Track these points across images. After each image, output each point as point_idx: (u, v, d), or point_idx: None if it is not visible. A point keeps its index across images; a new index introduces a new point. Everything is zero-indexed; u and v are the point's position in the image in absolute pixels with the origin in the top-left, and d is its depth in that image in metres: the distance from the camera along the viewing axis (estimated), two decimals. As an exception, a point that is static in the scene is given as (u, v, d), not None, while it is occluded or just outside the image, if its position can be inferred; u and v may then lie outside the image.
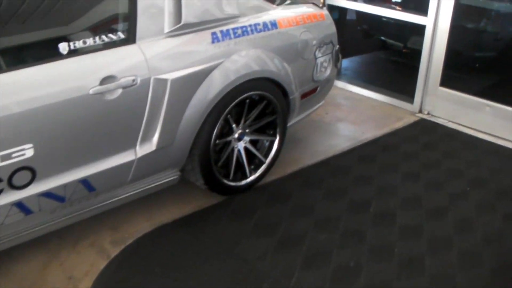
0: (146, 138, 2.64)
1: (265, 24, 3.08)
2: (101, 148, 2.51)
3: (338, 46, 3.63)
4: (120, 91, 2.44)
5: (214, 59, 2.79)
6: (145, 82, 2.52)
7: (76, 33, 2.43)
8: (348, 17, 5.30)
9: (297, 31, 3.26)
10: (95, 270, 2.59)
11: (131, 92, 2.48)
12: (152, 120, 2.61)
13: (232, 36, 2.89)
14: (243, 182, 3.22)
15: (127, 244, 2.78)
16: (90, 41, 2.42)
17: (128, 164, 2.63)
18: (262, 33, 3.05)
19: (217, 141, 2.99)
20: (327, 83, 3.69)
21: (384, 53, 5.57)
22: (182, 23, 2.66)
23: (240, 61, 2.91)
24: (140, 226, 2.93)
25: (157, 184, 2.90)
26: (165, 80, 2.57)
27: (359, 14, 5.26)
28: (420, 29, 4.33)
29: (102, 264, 2.64)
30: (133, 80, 2.47)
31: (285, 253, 2.74)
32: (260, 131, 3.33)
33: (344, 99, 4.87)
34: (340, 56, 3.68)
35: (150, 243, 2.78)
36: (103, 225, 2.92)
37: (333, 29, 3.55)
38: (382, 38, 5.35)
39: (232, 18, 2.96)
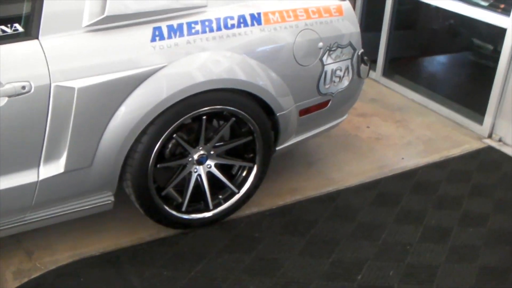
0: (51, 157, 2.28)
1: (241, 18, 2.54)
2: (-15, 166, 2.15)
3: (362, 50, 2.95)
4: (4, 99, 2.05)
5: (151, 63, 2.33)
6: (43, 90, 2.14)
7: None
8: (426, 10, 4.49)
9: (292, 29, 2.67)
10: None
11: (21, 101, 2.12)
12: (56, 137, 2.23)
13: (184, 33, 2.41)
14: (202, 215, 2.74)
15: (30, 278, 2.48)
16: (-29, 34, 2.04)
17: (28, 187, 2.29)
18: (234, 30, 2.52)
19: (159, 165, 2.51)
20: (347, 97, 3.05)
21: (466, 55, 4.68)
22: (105, 14, 2.20)
23: (191, 67, 2.41)
24: (59, 256, 2.61)
25: (81, 209, 2.53)
26: (71, 89, 2.15)
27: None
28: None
29: (-14, 301, 2.31)
30: (23, 87, 2.07)
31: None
32: (236, 153, 2.85)
33: (397, 110, 4.18)
34: (367, 62, 2.99)
35: (57, 280, 2.46)
36: (17, 248, 2.65)
37: (353, 28, 2.90)
38: (470, 38, 4.47)
39: (193, 8, 2.43)
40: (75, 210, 2.53)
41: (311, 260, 2.59)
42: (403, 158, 3.48)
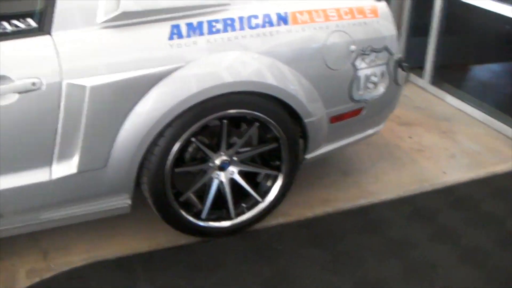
0: (64, 157, 2.22)
1: (267, 17, 2.42)
2: (-3, 163, 2.11)
3: (399, 55, 2.77)
4: (15, 96, 2.01)
5: (168, 62, 2.25)
6: (54, 87, 2.09)
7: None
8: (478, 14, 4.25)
9: (321, 30, 2.53)
10: (-20, 309, 2.25)
11: (32, 98, 2.08)
12: (68, 136, 2.18)
13: (204, 31, 2.30)
14: (222, 223, 2.64)
15: (42, 278, 2.44)
16: (-16, 29, 2.01)
17: (41, 185, 2.24)
18: (258, 30, 2.40)
19: (176, 170, 2.42)
20: (383, 105, 2.88)
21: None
22: (119, 11, 2.13)
23: (211, 67, 2.31)
24: (74, 257, 2.57)
25: (97, 211, 2.47)
26: (83, 87, 2.09)
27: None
28: None
29: (-5, 299, 2.29)
30: (34, 84, 2.03)
31: None
32: (262, 160, 2.75)
33: (444, 120, 3.97)
34: (404, 68, 2.81)
35: (67, 282, 2.42)
36: (34, 247, 2.62)
37: (389, 31, 2.74)
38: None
39: (215, 6, 2.33)
40: (90, 212, 2.47)
41: (333, 277, 2.44)
42: (445, 172, 3.26)
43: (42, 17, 2.10)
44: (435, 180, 3.24)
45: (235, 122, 2.60)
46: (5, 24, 2.07)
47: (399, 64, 2.81)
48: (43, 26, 2.10)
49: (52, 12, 2.09)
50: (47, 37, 2.09)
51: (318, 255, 2.58)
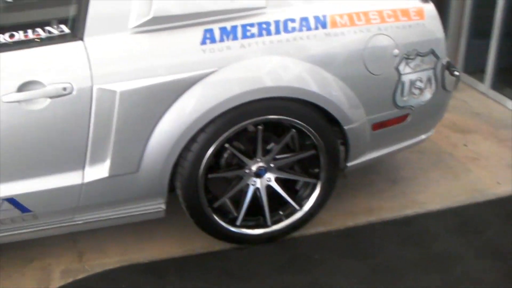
0: (96, 161, 2.25)
1: (304, 21, 2.36)
2: (30, 165, 2.22)
3: (447, 59, 2.64)
4: (47, 100, 2.06)
5: (200, 67, 2.24)
6: (85, 92, 2.12)
7: (5, 23, 2.10)
8: None
9: (362, 33, 2.44)
10: (14, 306, 2.31)
11: (64, 103, 2.12)
12: (100, 140, 2.21)
13: (239, 36, 2.28)
14: (256, 231, 2.60)
15: (75, 279, 2.49)
16: (20, 35, 2.08)
17: (73, 188, 2.29)
18: (295, 34, 2.35)
19: (210, 175, 2.41)
20: (430, 111, 2.76)
21: None
22: (151, 15, 2.13)
23: (245, 72, 2.29)
24: (109, 260, 2.61)
25: (131, 214, 2.49)
26: (113, 92, 2.11)
27: None
28: None
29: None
30: (65, 89, 2.07)
31: None
32: (301, 167, 2.69)
33: (503, 127, 3.79)
34: (454, 73, 2.68)
35: (99, 284, 2.45)
36: (72, 248, 2.68)
37: (436, 34, 2.62)
38: None
39: (250, 10, 2.30)
40: (124, 215, 2.49)
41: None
42: (499, 183, 3.09)
43: (75, 23, 2.13)
44: (487, 191, 3.07)
45: (273, 128, 2.53)
46: (40, 30, 2.09)
47: (447, 68, 2.66)
48: (76, 32, 2.13)
49: (84, 18, 2.12)
50: (79, 42, 2.12)
51: (356, 267, 2.50)
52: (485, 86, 4.19)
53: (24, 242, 2.50)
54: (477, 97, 4.20)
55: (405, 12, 2.53)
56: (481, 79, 4.22)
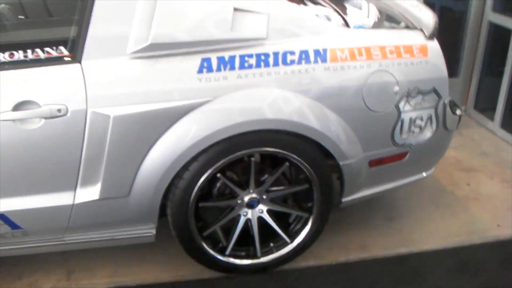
0: (88, 183, 2.27)
1: (303, 54, 2.36)
2: (22, 183, 2.25)
3: (449, 98, 2.63)
4: (41, 121, 2.09)
5: (195, 96, 2.25)
6: (79, 115, 2.15)
7: (6, 43, 2.14)
8: None
9: (362, 69, 2.44)
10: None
11: (57, 124, 2.14)
12: (92, 163, 2.23)
13: (236, 66, 2.28)
14: (244, 261, 2.60)
15: (61, 299, 2.44)
16: (19, 55, 2.12)
17: (63, 208, 2.31)
18: (294, 67, 2.34)
19: (200, 204, 2.42)
20: (430, 150, 2.75)
21: None
22: (149, 42, 2.16)
23: (239, 103, 2.29)
24: (97, 280, 2.63)
25: (121, 237, 2.50)
26: (107, 116, 2.13)
27: None
28: None
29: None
30: (59, 110, 2.10)
31: None
32: (295, 200, 2.70)
33: (511, 168, 3.65)
34: (457, 112, 2.66)
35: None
36: (61, 266, 2.71)
37: (439, 72, 2.60)
38: None
39: (250, 40, 2.31)
40: (114, 238, 2.51)
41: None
42: (499, 225, 3.05)
43: (74, 45, 2.15)
44: (486, 233, 3.03)
45: (267, 159, 2.55)
46: (39, 51, 2.12)
47: (450, 107, 2.64)
48: (74, 54, 2.14)
49: (84, 41, 2.14)
50: (76, 65, 2.15)
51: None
52: (494, 124, 4.15)
53: (14, 258, 2.54)
54: (485, 135, 4.15)
55: (408, 49, 2.51)
56: (491, 117, 4.18)
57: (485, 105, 4.29)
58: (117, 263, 2.70)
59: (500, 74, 4.07)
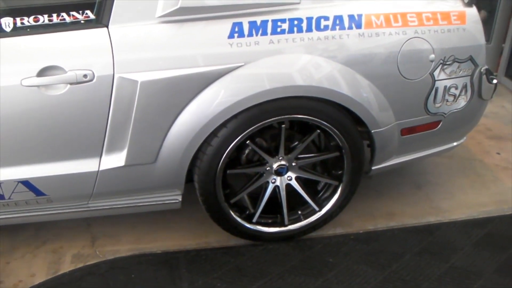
0: (113, 149, 2.25)
1: (338, 19, 2.30)
2: (47, 150, 2.22)
3: (485, 66, 2.56)
4: (66, 86, 2.05)
5: (225, 61, 2.20)
6: (106, 80, 2.10)
7: (31, 6, 2.10)
8: None
9: (398, 36, 2.37)
10: (23, 285, 2.38)
11: (83, 90, 2.10)
12: (118, 130, 2.20)
13: (268, 31, 2.22)
14: (271, 229, 2.59)
15: (85, 264, 2.52)
16: (44, 19, 2.06)
17: (89, 175, 2.29)
18: (327, 32, 2.28)
19: (229, 171, 2.40)
20: (463, 119, 2.70)
21: None
22: (178, 5, 2.10)
23: (271, 69, 2.24)
24: (121, 247, 2.64)
25: (146, 204, 2.50)
26: (134, 82, 2.09)
27: None
28: None
29: (40, 278, 2.43)
30: (85, 76, 2.06)
31: None
32: (324, 168, 2.67)
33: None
34: (493, 81, 2.59)
35: (108, 271, 2.48)
36: (85, 232, 2.72)
37: (477, 40, 2.52)
38: None
39: (283, 5, 2.24)
40: (139, 204, 2.49)
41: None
42: (530, 196, 2.98)
43: (101, 9, 2.10)
44: (512, 204, 2.94)
45: (298, 126, 2.52)
46: (65, 15, 2.07)
47: (485, 76, 2.56)
48: (101, 19, 2.10)
49: (111, 4, 2.08)
50: (103, 29, 2.09)
51: (370, 274, 2.48)
52: (527, 92, 4.05)
53: (39, 224, 2.57)
54: (518, 104, 4.06)
55: (446, 16, 2.43)
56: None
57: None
58: (141, 230, 2.71)
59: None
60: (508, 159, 3.36)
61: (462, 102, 2.59)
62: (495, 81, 2.60)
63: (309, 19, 2.26)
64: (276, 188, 2.54)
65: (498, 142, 3.52)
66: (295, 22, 2.24)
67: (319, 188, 2.67)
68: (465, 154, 3.33)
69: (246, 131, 2.30)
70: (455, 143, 2.85)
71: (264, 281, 2.41)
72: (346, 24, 2.31)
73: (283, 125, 2.36)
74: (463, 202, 3.00)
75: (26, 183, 2.25)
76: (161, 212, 2.60)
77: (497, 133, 3.63)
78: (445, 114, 2.59)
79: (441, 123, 2.63)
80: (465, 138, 2.89)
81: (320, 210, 2.62)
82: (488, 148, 3.45)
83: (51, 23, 2.08)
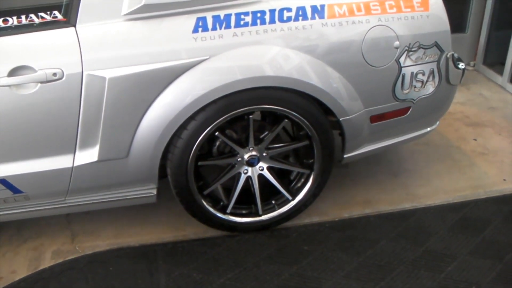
0: (86, 145, 2.35)
1: (300, 10, 2.40)
2: (21, 148, 2.32)
3: (452, 52, 2.66)
4: (37, 85, 2.16)
5: (190, 55, 2.29)
6: (75, 78, 2.21)
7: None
8: None
9: (361, 24, 2.48)
10: (4, 282, 2.47)
11: (53, 88, 2.20)
12: (90, 125, 2.30)
13: (232, 24, 2.32)
14: (244, 219, 2.70)
15: (65, 259, 2.62)
16: (13, 21, 2.18)
17: (64, 171, 2.39)
18: (290, 24, 2.39)
19: (200, 163, 2.50)
20: (433, 105, 2.79)
21: None
22: (143, 3, 2.21)
23: (236, 61, 2.34)
24: (100, 242, 2.72)
25: (122, 198, 2.59)
26: (102, 78, 2.20)
27: None
28: None
29: (20, 275, 2.53)
30: (55, 74, 2.16)
31: None
32: (296, 157, 2.78)
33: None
34: (460, 66, 2.70)
35: (87, 266, 2.57)
36: (65, 229, 2.81)
37: (441, 26, 2.62)
38: None
39: (246, -1, 2.34)
40: (115, 199, 2.59)
41: (356, 285, 2.42)
42: (504, 180, 3.10)
43: (68, 10, 2.20)
44: (491, 188, 3.09)
45: (267, 116, 2.62)
46: (33, 16, 2.17)
47: (452, 61, 2.67)
48: (69, 19, 2.20)
49: (77, 5, 2.19)
50: (71, 29, 2.20)
51: (345, 260, 2.56)
52: (503, 79, 4.15)
53: (20, 222, 2.65)
54: (494, 90, 4.17)
55: (409, 3, 2.53)
56: (500, 71, 4.18)
57: (494, 60, 4.29)
58: (119, 225, 2.80)
59: (510, 28, 4.05)
60: (484, 145, 3.45)
61: (430, 88, 2.69)
62: (462, 65, 2.70)
63: (272, 11, 2.36)
64: (249, 179, 2.63)
65: (475, 129, 3.62)
66: (258, 15, 2.35)
67: (292, 177, 2.76)
68: (442, 141, 3.42)
69: (215, 123, 2.40)
70: (428, 129, 2.95)
71: (239, 270, 2.50)
72: (309, 14, 2.41)
73: (251, 116, 2.45)
74: (439, 188, 3.08)
75: (3, 181, 2.34)
76: (140, 207, 2.70)
77: (474, 120, 3.72)
78: (414, 100, 2.69)
79: (410, 109, 2.73)
80: (437, 123, 2.98)
81: (293, 199, 2.72)
82: (465, 135, 3.54)
83: (20, 24, 2.17)
